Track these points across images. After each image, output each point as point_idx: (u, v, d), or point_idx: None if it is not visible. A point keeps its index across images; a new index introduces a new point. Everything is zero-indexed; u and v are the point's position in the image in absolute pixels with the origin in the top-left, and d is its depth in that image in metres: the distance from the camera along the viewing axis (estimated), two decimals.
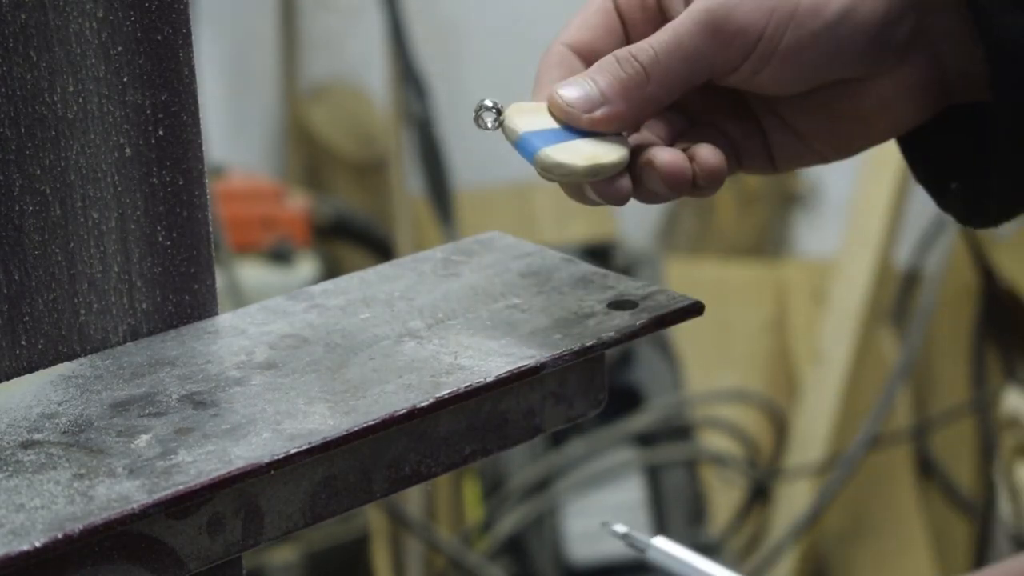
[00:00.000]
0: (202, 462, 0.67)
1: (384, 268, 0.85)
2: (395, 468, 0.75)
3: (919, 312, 2.33)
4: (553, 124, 0.77)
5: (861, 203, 2.32)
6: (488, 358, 0.75)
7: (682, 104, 0.80)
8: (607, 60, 0.77)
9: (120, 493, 0.65)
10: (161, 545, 0.68)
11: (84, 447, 0.68)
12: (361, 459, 0.74)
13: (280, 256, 2.35)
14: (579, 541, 2.08)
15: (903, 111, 0.80)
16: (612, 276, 0.83)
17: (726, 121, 0.82)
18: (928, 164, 0.82)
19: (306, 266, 2.37)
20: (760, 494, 2.34)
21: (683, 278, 2.56)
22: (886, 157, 2.22)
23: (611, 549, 2.03)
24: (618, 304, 0.80)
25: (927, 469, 2.43)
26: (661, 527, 2.10)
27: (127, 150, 0.75)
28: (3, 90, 0.71)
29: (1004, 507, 2.15)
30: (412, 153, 2.42)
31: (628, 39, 0.81)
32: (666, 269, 2.51)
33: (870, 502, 2.36)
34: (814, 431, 2.31)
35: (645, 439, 2.18)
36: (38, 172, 0.73)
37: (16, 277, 0.73)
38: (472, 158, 2.56)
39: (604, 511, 2.11)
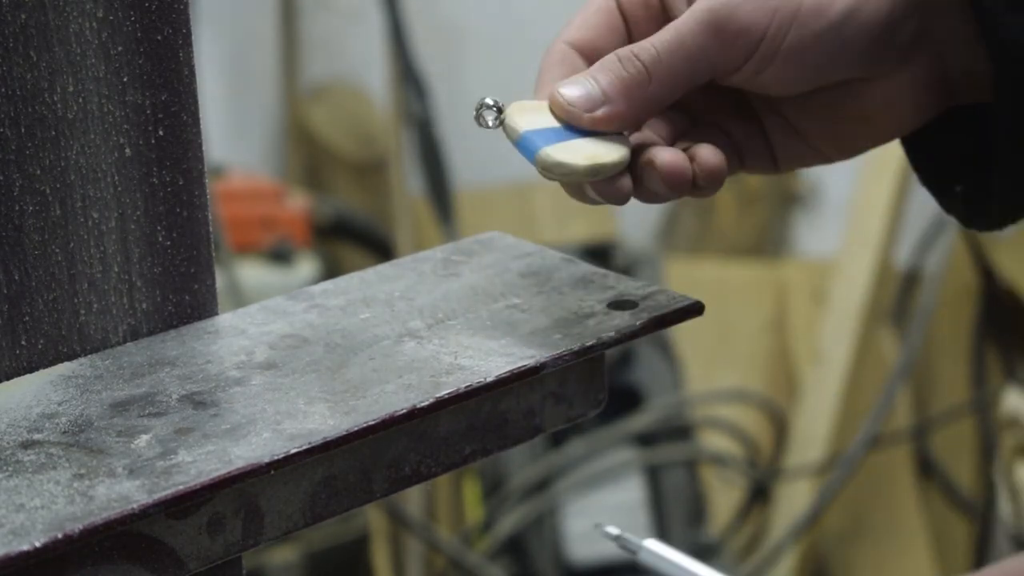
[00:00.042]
0: (202, 462, 0.67)
1: (384, 268, 0.85)
2: (395, 468, 0.75)
3: (919, 312, 2.33)
4: (554, 123, 0.77)
5: (861, 203, 2.32)
6: (488, 358, 0.75)
7: (684, 103, 0.80)
8: (609, 59, 0.77)
9: (120, 493, 0.65)
10: (161, 545, 0.68)
11: (84, 447, 0.68)
12: (361, 459, 0.74)
13: (280, 256, 2.35)
14: (579, 541, 2.08)
15: (906, 112, 0.79)
16: (612, 276, 0.83)
17: (728, 121, 0.81)
18: (932, 166, 0.82)
19: (306, 266, 2.37)
20: (760, 494, 2.34)
21: (683, 278, 2.56)
22: (886, 157, 2.22)
23: (611, 549, 2.02)
24: (618, 304, 0.80)
25: (927, 469, 2.43)
26: (661, 527, 2.10)
27: (127, 150, 0.75)
28: (3, 90, 0.71)
29: (1004, 507, 2.15)
30: (412, 153, 2.42)
31: (630, 37, 0.80)
32: (666, 269, 2.51)
33: (870, 502, 2.36)
34: (814, 431, 2.31)
35: (645, 439, 2.18)
36: (38, 172, 0.73)
37: (16, 277, 0.73)
38: (472, 158, 2.56)
39: (604, 511, 2.11)
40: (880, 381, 2.31)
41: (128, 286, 0.77)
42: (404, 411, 0.72)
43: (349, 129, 2.97)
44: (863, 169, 2.31)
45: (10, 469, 0.67)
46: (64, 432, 0.70)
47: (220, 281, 0.82)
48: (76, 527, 0.63)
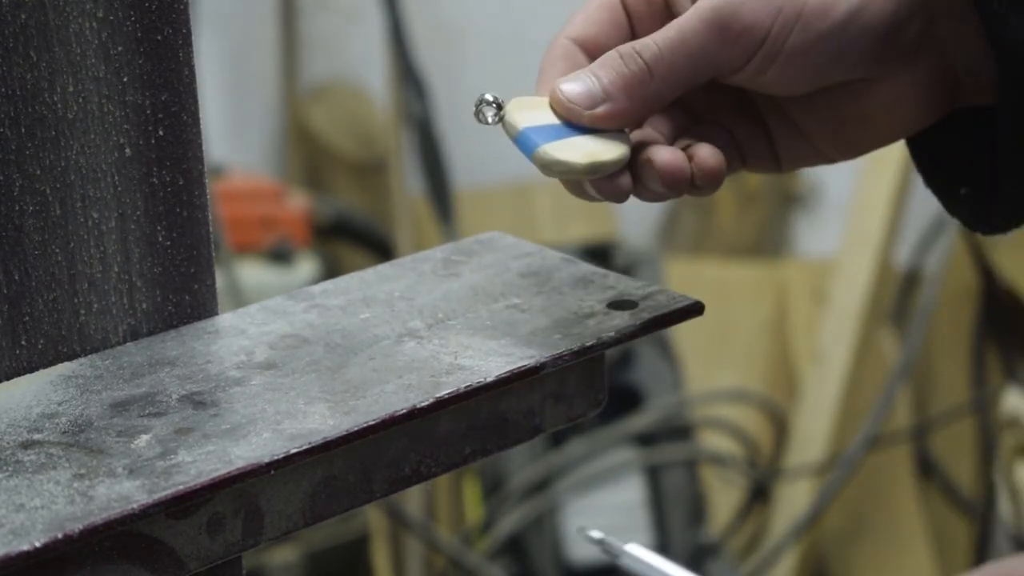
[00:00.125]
0: (202, 462, 0.67)
1: (384, 268, 0.85)
2: (395, 468, 0.75)
3: (919, 312, 2.33)
4: (554, 119, 0.76)
5: (861, 203, 2.32)
6: (488, 358, 0.75)
7: (686, 101, 0.80)
8: (610, 56, 0.76)
9: (120, 493, 0.65)
10: (161, 545, 0.68)
11: (84, 447, 0.68)
12: (361, 459, 0.74)
13: (280, 256, 2.35)
14: (579, 541, 2.08)
15: (909, 113, 0.79)
16: (612, 276, 0.83)
17: (731, 119, 0.81)
18: (937, 168, 0.81)
19: (306, 266, 2.37)
20: (760, 494, 2.34)
21: (683, 278, 2.56)
22: (886, 157, 2.22)
23: None
24: (618, 304, 0.80)
25: (927, 469, 2.43)
26: (661, 527, 2.10)
27: (127, 150, 0.75)
28: (3, 90, 0.71)
29: (1004, 507, 2.15)
30: (412, 153, 2.42)
31: (634, 34, 0.80)
32: (666, 269, 2.51)
33: (870, 502, 2.36)
34: (814, 431, 2.31)
35: (645, 439, 2.18)
36: (38, 172, 0.73)
37: (16, 277, 0.73)
38: (472, 158, 2.56)
39: (604, 511, 2.11)
40: (880, 381, 2.31)
41: (128, 286, 0.77)
42: (404, 411, 0.72)
43: (349, 129, 2.97)
44: (863, 169, 2.31)
45: (10, 469, 0.67)
46: (64, 432, 0.70)
47: (220, 281, 0.82)
48: (76, 527, 0.63)
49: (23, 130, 0.72)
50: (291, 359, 0.76)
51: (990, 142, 0.78)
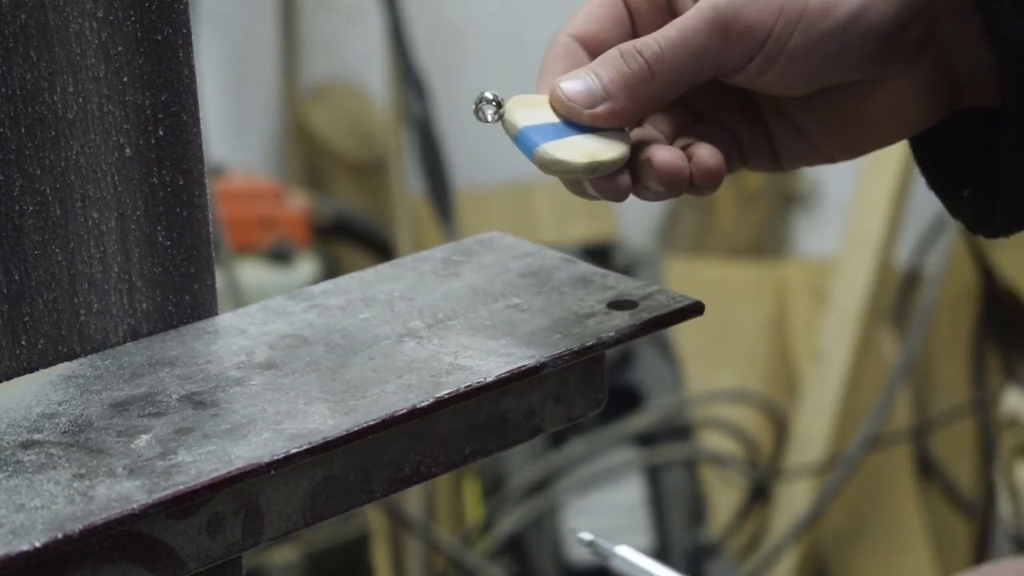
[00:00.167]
0: (202, 462, 0.67)
1: (384, 268, 0.85)
2: (395, 468, 0.75)
3: (919, 312, 2.33)
4: (554, 118, 0.76)
5: (861, 203, 2.32)
6: (488, 358, 0.75)
7: (687, 100, 0.80)
8: (611, 54, 0.76)
9: (120, 493, 0.65)
10: (161, 545, 0.68)
11: (84, 447, 0.68)
12: (361, 459, 0.74)
13: (280, 256, 2.35)
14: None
15: (911, 114, 0.79)
16: (612, 276, 0.83)
17: (731, 119, 0.81)
18: (940, 171, 0.81)
19: (306, 266, 2.37)
20: (760, 494, 2.34)
21: (683, 278, 2.56)
22: (886, 157, 2.22)
23: None
24: (618, 304, 0.80)
25: (927, 469, 2.43)
26: (661, 527, 2.10)
27: (127, 150, 0.75)
28: (3, 90, 0.71)
29: (1004, 507, 2.15)
30: (412, 153, 2.42)
31: (635, 32, 0.80)
32: (666, 269, 2.51)
33: (870, 502, 2.36)
34: (814, 431, 2.31)
35: (645, 439, 2.18)
36: (38, 172, 0.73)
37: (16, 277, 0.73)
38: (472, 158, 2.56)
39: (604, 511, 2.11)
40: (880, 381, 2.31)
41: (128, 286, 0.77)
42: (404, 411, 0.72)
43: (349, 129, 2.97)
44: (863, 169, 2.31)
45: (10, 469, 0.67)
46: (64, 432, 0.70)
47: (220, 281, 0.82)
48: (76, 527, 0.63)
49: (23, 130, 0.72)
50: (291, 359, 0.76)
51: (991, 144, 0.77)
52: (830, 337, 2.31)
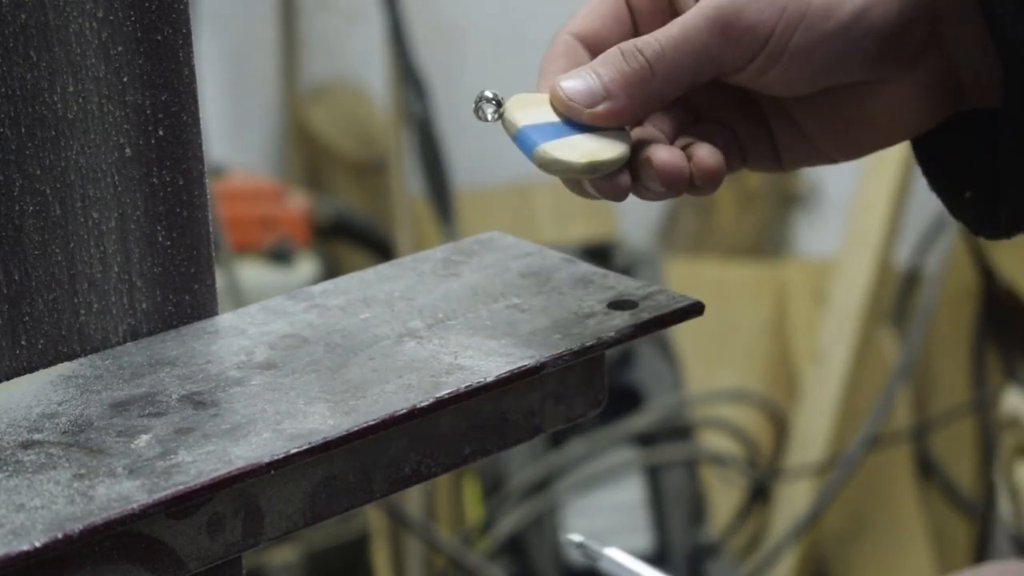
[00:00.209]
0: (202, 462, 0.67)
1: (384, 268, 0.85)
2: (395, 468, 0.75)
3: (919, 312, 2.33)
4: (554, 117, 0.76)
5: (861, 203, 2.32)
6: (488, 358, 0.75)
7: (688, 99, 0.79)
8: (611, 53, 0.76)
9: (120, 493, 0.65)
10: (161, 545, 0.68)
11: (84, 447, 0.68)
12: (361, 459, 0.74)
13: (280, 256, 2.35)
14: None
15: (912, 115, 0.79)
16: (612, 276, 0.83)
17: (732, 118, 0.81)
18: (942, 171, 0.81)
19: (306, 266, 2.37)
20: (760, 494, 2.34)
21: (683, 278, 2.56)
22: (886, 157, 2.22)
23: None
24: (618, 304, 0.80)
25: (927, 469, 2.43)
26: (661, 527, 2.10)
27: (127, 150, 0.75)
28: (3, 90, 0.71)
29: (1004, 507, 2.15)
30: (412, 153, 2.42)
31: (636, 30, 0.79)
32: (666, 269, 2.51)
33: (870, 502, 2.36)
34: (814, 431, 2.31)
35: (645, 439, 2.18)
36: (38, 172, 0.73)
37: (16, 277, 0.73)
38: (472, 158, 2.56)
39: (604, 511, 2.11)
40: (880, 381, 2.31)
41: (128, 286, 0.77)
42: (404, 411, 0.72)
43: (349, 129, 2.97)
44: (863, 169, 2.31)
45: (10, 469, 0.67)
46: (64, 432, 0.70)
47: (220, 281, 0.82)
48: (76, 527, 0.63)
49: (23, 130, 0.72)
50: (291, 359, 0.76)
51: (993, 145, 0.77)
52: (830, 337, 2.31)
